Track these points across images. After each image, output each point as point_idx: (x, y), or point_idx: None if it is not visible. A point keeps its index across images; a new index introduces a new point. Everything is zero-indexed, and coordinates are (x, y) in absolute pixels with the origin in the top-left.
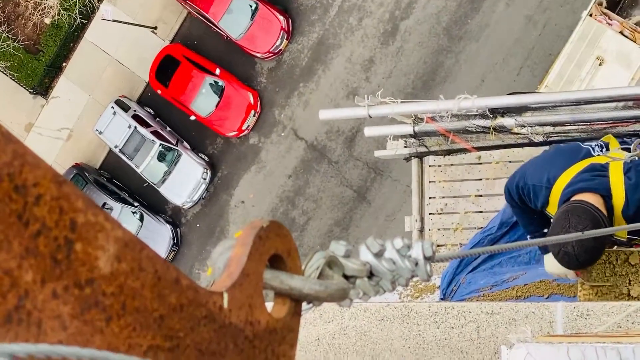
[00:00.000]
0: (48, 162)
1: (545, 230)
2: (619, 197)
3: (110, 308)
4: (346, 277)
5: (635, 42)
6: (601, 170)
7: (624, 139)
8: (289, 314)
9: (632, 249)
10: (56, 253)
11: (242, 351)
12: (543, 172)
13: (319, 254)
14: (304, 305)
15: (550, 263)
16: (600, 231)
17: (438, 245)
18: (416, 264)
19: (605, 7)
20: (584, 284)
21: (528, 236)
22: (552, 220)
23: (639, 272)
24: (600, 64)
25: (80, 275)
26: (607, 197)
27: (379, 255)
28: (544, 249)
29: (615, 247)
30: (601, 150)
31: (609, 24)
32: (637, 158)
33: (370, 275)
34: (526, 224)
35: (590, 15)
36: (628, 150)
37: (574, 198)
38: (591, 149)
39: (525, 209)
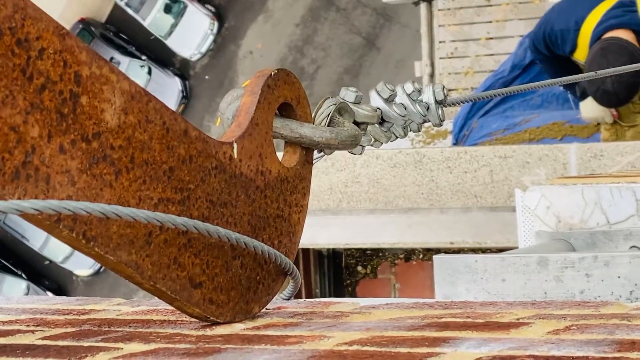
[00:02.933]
0: (53, 17)
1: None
2: None
3: (119, 161)
4: (357, 123)
5: None
6: (630, 6)
7: None
8: (300, 162)
9: None
10: (62, 107)
11: (254, 201)
12: (570, 15)
13: (329, 100)
14: (315, 153)
15: (588, 108)
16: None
17: (449, 90)
18: (427, 108)
19: None
20: (607, 124)
21: (564, 89)
22: (584, 65)
23: None
24: None
25: (87, 129)
26: (639, 31)
27: (389, 100)
28: (582, 95)
29: None
30: None
31: None
32: None
33: (382, 121)
34: (557, 76)
35: None
36: None
37: (606, 35)
38: None
39: (553, 59)
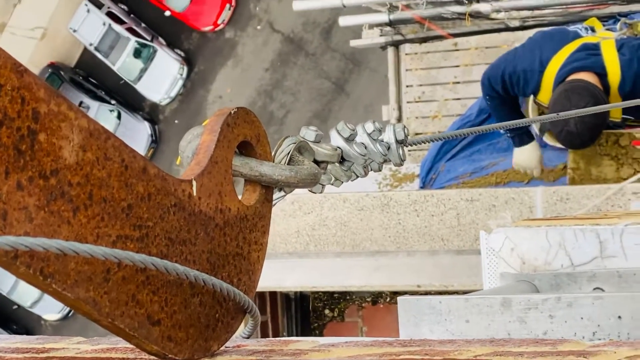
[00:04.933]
0: (22, 62)
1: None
2: (614, 74)
3: (77, 198)
4: (317, 162)
5: None
6: (594, 49)
7: (604, 22)
8: (259, 200)
9: (622, 130)
10: (19, 144)
11: (213, 239)
12: (534, 56)
13: (289, 139)
14: (277, 192)
15: (521, 157)
16: (602, 107)
17: (416, 134)
18: (388, 147)
19: None
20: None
21: (504, 132)
22: (546, 107)
23: (629, 154)
24: None
25: (44, 166)
26: (602, 75)
27: (350, 139)
28: (520, 142)
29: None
30: (588, 32)
31: None
32: (625, 36)
33: (342, 160)
34: (502, 118)
35: None
36: (613, 31)
37: (570, 78)
38: (579, 30)
39: (505, 100)
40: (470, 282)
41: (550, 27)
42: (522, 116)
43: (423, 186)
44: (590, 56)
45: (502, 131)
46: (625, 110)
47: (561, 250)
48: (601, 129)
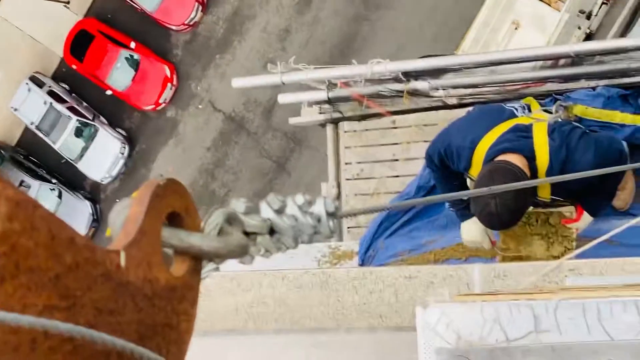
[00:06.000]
0: None
1: (466, 198)
2: (542, 159)
3: (3, 268)
4: (247, 234)
5: (550, 5)
6: (525, 131)
7: (542, 101)
8: (188, 271)
9: (552, 209)
10: None
11: (142, 309)
12: (467, 133)
13: (218, 211)
14: (209, 265)
15: (467, 231)
16: (522, 183)
17: None
18: (319, 220)
19: None
20: (503, 249)
21: (449, 207)
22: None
23: (558, 233)
24: (516, 29)
25: None
26: (530, 158)
27: (280, 211)
28: (463, 216)
29: (539, 209)
30: (524, 112)
31: None
32: (560, 119)
33: (272, 231)
34: (446, 192)
35: None
36: (549, 112)
37: (498, 158)
38: (514, 110)
39: (447, 175)
40: (409, 359)
41: (486, 105)
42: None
43: (362, 263)
44: (520, 138)
45: (447, 205)
46: (554, 191)
47: (496, 325)
48: (522, 212)
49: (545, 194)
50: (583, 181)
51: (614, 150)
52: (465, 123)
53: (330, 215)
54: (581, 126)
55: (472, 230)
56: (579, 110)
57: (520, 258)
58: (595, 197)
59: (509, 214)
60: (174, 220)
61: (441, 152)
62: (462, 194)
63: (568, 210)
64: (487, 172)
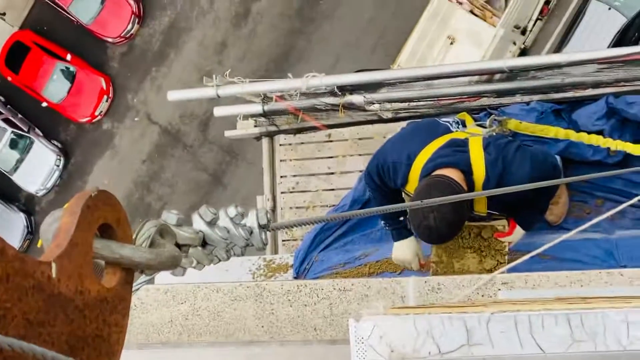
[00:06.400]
0: None
1: (402, 218)
2: (479, 173)
3: None
4: (179, 246)
5: (485, 20)
6: (461, 146)
7: (476, 115)
8: (120, 283)
9: (485, 223)
10: None
11: (73, 321)
12: (403, 148)
13: (150, 222)
14: (142, 277)
15: (399, 250)
16: (460, 196)
17: None
18: (251, 232)
19: None
20: (435, 262)
21: (384, 225)
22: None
23: (491, 246)
24: (451, 43)
25: None
26: (467, 172)
27: (212, 223)
28: (397, 235)
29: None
30: (458, 127)
31: (460, 2)
32: (494, 134)
33: (205, 244)
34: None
35: None
36: (483, 126)
37: (435, 173)
38: (449, 125)
39: (386, 192)
40: None
41: (421, 120)
42: (403, 213)
43: (297, 276)
44: (456, 152)
45: (381, 224)
46: (490, 205)
47: (429, 338)
48: (460, 225)
49: (481, 208)
50: (519, 194)
51: (549, 164)
52: (400, 139)
53: (263, 227)
54: (516, 140)
55: (404, 250)
56: (512, 124)
57: (453, 271)
58: (528, 211)
59: (447, 227)
60: (106, 231)
61: (379, 169)
62: (399, 206)
63: (501, 224)
64: (424, 186)
